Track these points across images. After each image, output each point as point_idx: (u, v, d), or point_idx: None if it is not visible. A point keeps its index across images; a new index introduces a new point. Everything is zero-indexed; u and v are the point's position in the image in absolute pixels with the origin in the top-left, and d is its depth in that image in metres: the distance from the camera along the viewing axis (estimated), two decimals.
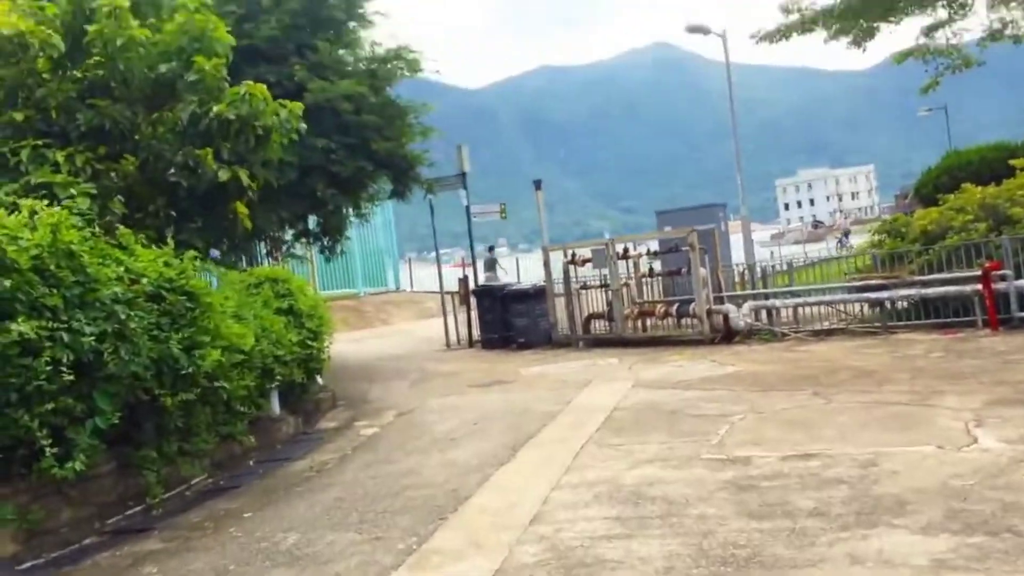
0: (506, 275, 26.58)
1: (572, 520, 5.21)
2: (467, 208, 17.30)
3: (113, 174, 9.06)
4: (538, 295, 15.78)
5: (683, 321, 14.20)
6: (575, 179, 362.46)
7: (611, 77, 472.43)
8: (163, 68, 8.49)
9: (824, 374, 9.51)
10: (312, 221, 16.24)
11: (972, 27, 27.81)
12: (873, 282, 12.37)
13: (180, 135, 8.80)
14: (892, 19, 25.81)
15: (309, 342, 9.51)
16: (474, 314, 17.04)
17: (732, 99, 22.31)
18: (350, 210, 16.19)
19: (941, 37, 28.01)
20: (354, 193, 14.33)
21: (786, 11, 25.84)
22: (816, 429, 6.91)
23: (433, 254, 18.69)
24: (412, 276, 30.03)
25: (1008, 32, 28.32)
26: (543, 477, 6.31)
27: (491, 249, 29.66)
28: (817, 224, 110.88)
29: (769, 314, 13.46)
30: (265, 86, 9.25)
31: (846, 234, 59.11)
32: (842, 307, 13.35)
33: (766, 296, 13.57)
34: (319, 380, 11.79)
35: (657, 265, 15.65)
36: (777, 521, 4.77)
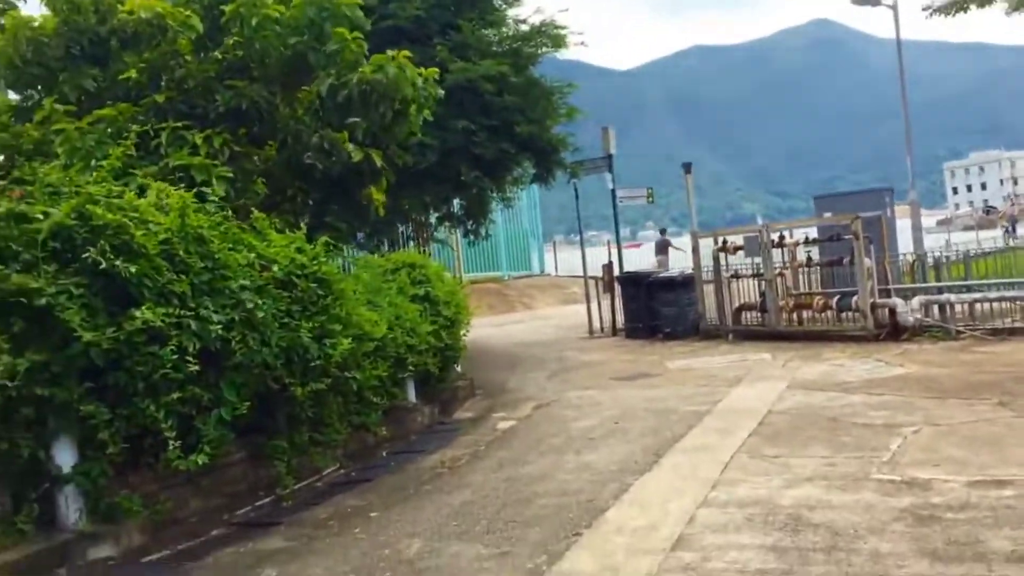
0: (683, 257, 24.63)
1: (721, 547, 4.63)
2: (613, 192, 16.70)
3: (256, 157, 9.00)
4: (686, 284, 15.05)
5: (843, 315, 13.19)
6: (727, 161, 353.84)
7: (766, 56, 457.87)
8: (293, 40, 8.27)
9: (1012, 381, 8.47)
10: (456, 205, 16.10)
11: None
12: None
13: (316, 114, 8.60)
14: None
15: (445, 331, 9.20)
16: (619, 301, 16.46)
17: (902, 72, 20.69)
18: (494, 193, 15.93)
19: None
20: (497, 176, 13.98)
21: None
22: (1007, 448, 6.04)
23: (591, 233, 18.26)
24: (557, 260, 29.65)
25: None
26: (688, 491, 5.73)
27: (663, 231, 28.94)
28: (989, 210, 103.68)
29: (942, 309, 12.30)
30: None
31: (1013, 223, 50.56)
32: None
33: (939, 290, 12.40)
34: (457, 368, 11.54)
35: (815, 254, 14.62)
36: (968, 566, 4.05)
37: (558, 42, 14.02)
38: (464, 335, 10.71)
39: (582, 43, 14.49)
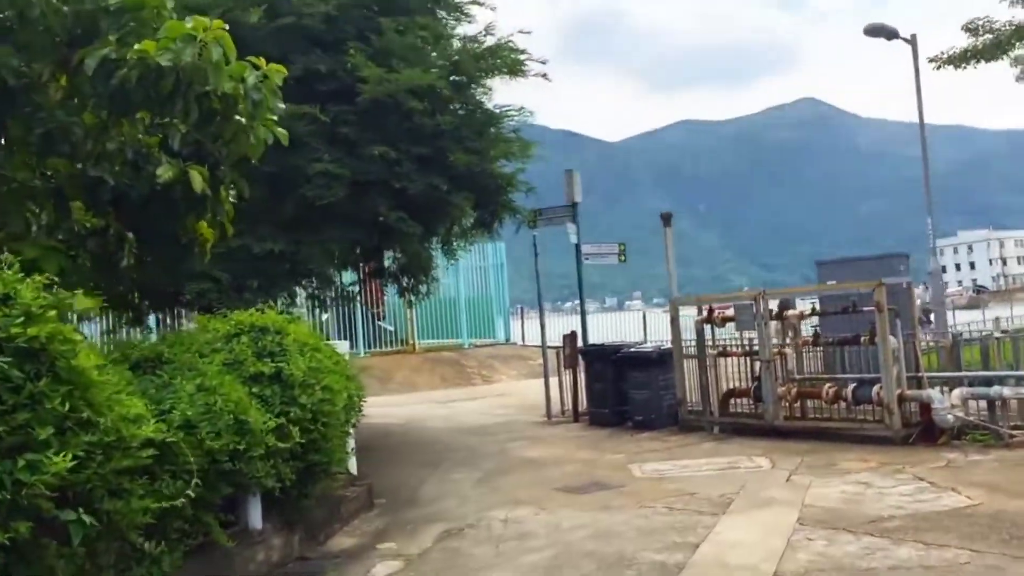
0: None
1: None
2: (577, 247, 13.91)
3: (43, 168, 6.20)
4: (662, 361, 12.21)
5: (858, 408, 10.37)
6: (715, 233, 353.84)
7: (754, 132, 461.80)
8: None
9: None
10: (389, 258, 13.31)
11: None
12: None
13: (106, 104, 5.76)
14: None
15: (305, 426, 6.29)
16: (583, 378, 13.59)
17: (923, 138, 18.18)
18: (434, 243, 13.16)
19: None
20: (429, 220, 11.19)
21: (974, 32, 21.75)
22: None
23: (567, 303, 15.40)
24: (524, 327, 26.78)
25: None
26: None
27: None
28: (980, 289, 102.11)
29: (991, 406, 9.48)
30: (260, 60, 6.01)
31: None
32: None
33: (987, 380, 9.59)
34: (350, 468, 8.62)
35: (822, 329, 11.85)
36: None
37: (514, 68, 11.33)
38: (351, 425, 7.80)
39: (544, 75, 11.77)
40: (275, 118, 5.93)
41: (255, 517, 6.41)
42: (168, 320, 11.59)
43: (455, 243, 13.40)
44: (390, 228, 10.48)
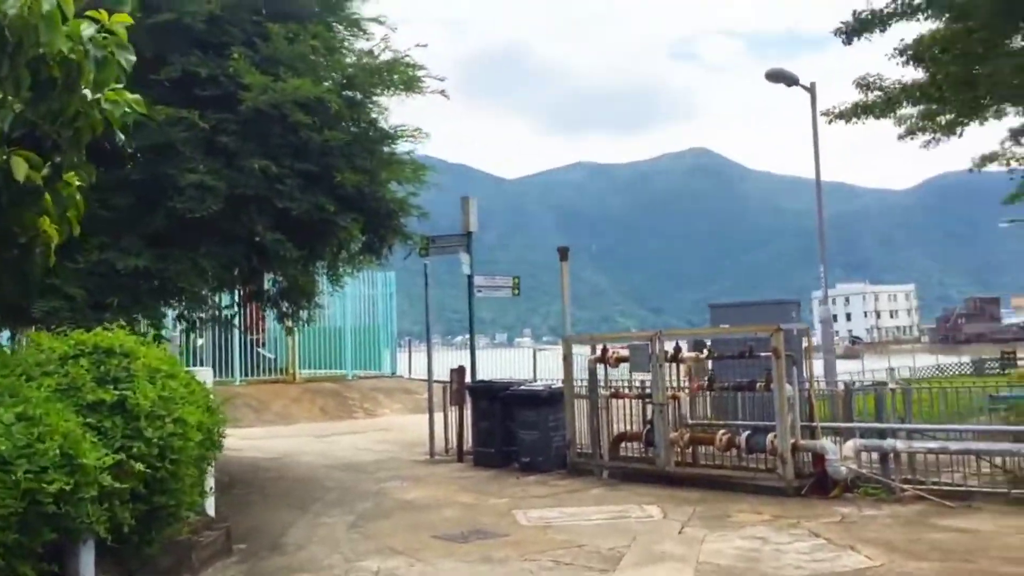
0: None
1: None
2: (469, 278, 13.36)
3: None
4: (553, 401, 11.74)
5: (750, 456, 10.08)
6: (606, 275, 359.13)
7: (648, 177, 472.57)
8: None
9: None
10: (270, 281, 12.50)
11: None
12: None
13: None
14: (983, 112, 22.23)
15: (151, 462, 5.50)
16: (470, 415, 12.99)
17: (818, 187, 18.39)
18: (320, 268, 12.42)
19: None
20: (313, 242, 10.48)
21: (865, 88, 22.40)
22: None
23: (457, 338, 14.73)
24: (411, 360, 26.01)
25: None
26: None
27: None
28: (855, 340, 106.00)
29: (884, 458, 9.30)
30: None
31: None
32: (1001, 460, 9.17)
33: (881, 432, 9.43)
34: (207, 509, 7.79)
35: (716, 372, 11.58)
36: None
37: (411, 84, 10.75)
38: (209, 463, 7.01)
39: (442, 92, 11.24)
40: (121, 86, 5.11)
41: (86, 567, 5.55)
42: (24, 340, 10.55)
43: (341, 269, 12.66)
44: (268, 249, 9.72)
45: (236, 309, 12.83)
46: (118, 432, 5.36)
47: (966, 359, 40.02)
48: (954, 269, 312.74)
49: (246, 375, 21.45)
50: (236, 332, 20.95)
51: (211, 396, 7.14)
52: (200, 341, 21.38)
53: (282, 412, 19.80)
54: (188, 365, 19.93)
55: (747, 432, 9.85)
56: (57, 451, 4.70)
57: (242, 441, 15.83)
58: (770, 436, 9.47)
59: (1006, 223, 44.46)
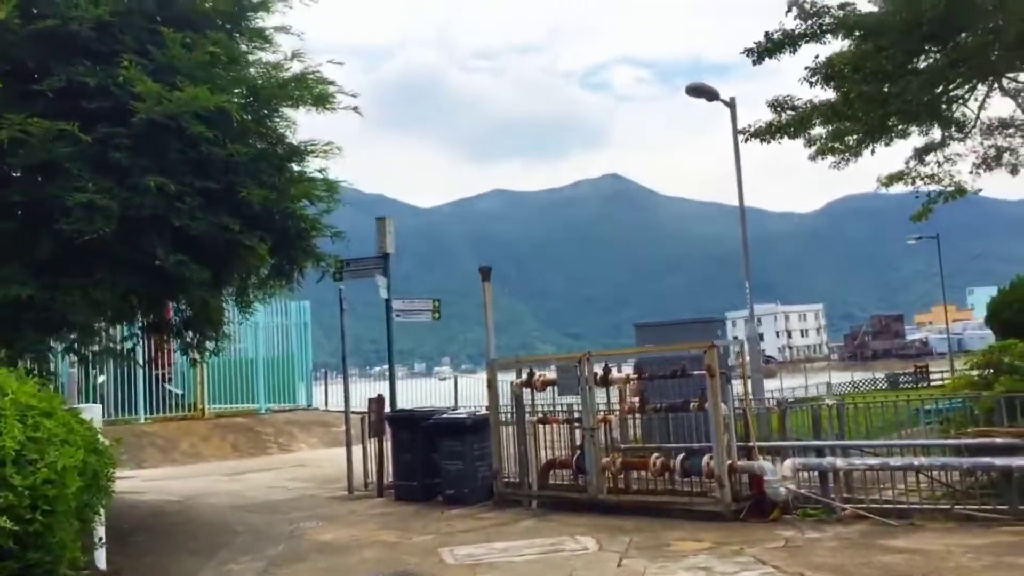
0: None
1: None
2: (387, 303, 12.71)
3: None
4: (477, 429, 11.16)
5: (685, 480, 9.66)
6: (524, 302, 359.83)
7: (563, 204, 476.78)
8: None
9: None
10: (174, 309, 11.69)
11: (965, 152, 25.11)
12: (999, 440, 8.04)
13: None
14: (889, 131, 22.66)
15: (23, 514, 4.75)
16: (390, 448, 12.31)
17: (740, 200, 18.28)
18: (225, 296, 11.67)
19: (931, 162, 25.26)
20: (219, 266, 9.74)
21: (777, 108, 22.69)
22: None
23: (375, 368, 13.98)
24: (328, 391, 25.12)
25: (1005, 160, 25.56)
26: None
27: None
28: (768, 360, 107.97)
29: (823, 477, 8.99)
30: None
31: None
32: (938, 474, 8.93)
33: (819, 450, 9.12)
34: (99, 562, 7.00)
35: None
36: None
37: (321, 99, 10.13)
38: (94, 512, 6.23)
39: (355, 108, 10.62)
40: None
41: None
42: None
43: (251, 295, 11.90)
44: (170, 274, 8.94)
45: (137, 341, 11.89)
46: None
47: (880, 374, 40.82)
48: (857, 288, 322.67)
49: (152, 412, 20.28)
50: (139, 367, 19.86)
51: (99, 436, 6.37)
52: (101, 378, 20.19)
53: (191, 451, 18.76)
54: (87, 402, 18.84)
55: (681, 455, 9.43)
56: None
57: (146, 483, 14.84)
58: (706, 458, 9.07)
59: (913, 240, 45.68)
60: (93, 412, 6.99)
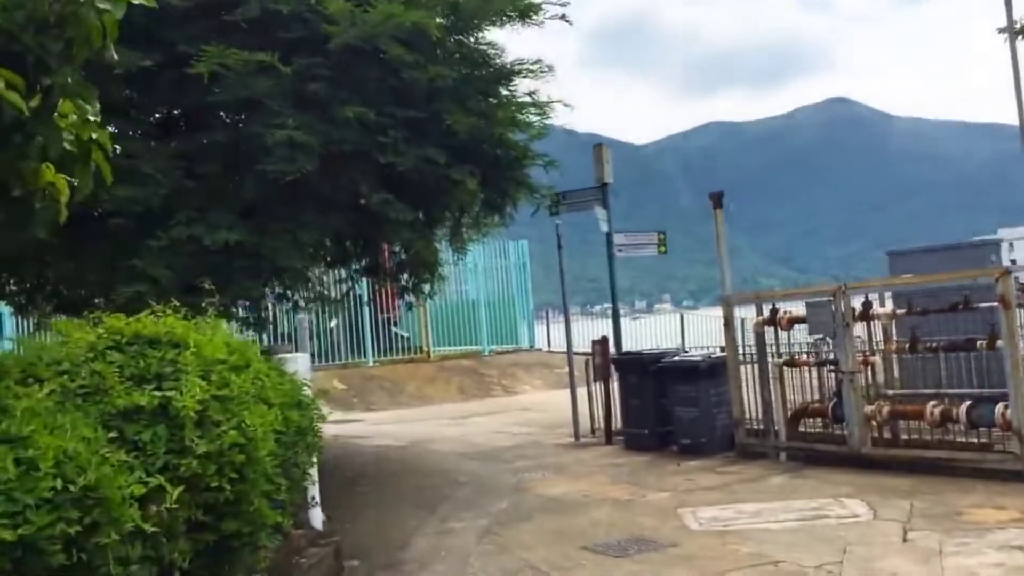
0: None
1: None
2: (608, 236, 11.69)
3: None
4: (713, 372, 10.04)
5: (970, 431, 8.11)
6: (744, 236, 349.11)
7: (783, 133, 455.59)
8: None
9: None
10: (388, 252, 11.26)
11: None
12: None
13: None
14: None
15: (211, 482, 4.22)
16: (617, 392, 11.43)
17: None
18: (438, 237, 11.12)
19: None
20: (427, 202, 9.11)
21: None
22: None
23: (596, 307, 13.10)
24: (549, 332, 24.60)
25: None
26: None
27: None
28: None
29: None
30: None
31: None
32: None
33: None
34: (315, 521, 6.54)
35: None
36: None
37: (526, 11, 9.12)
38: (305, 471, 5.69)
39: (563, 17, 9.49)
40: None
41: None
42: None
43: (465, 234, 11.27)
44: (375, 214, 8.37)
45: (352, 285, 11.58)
46: (160, 446, 4.06)
47: None
48: None
49: (380, 355, 20.52)
50: (367, 311, 20.06)
51: (304, 390, 5.82)
52: (333, 322, 20.61)
53: (417, 393, 18.77)
54: (319, 349, 19.23)
55: (967, 402, 7.88)
56: (53, 482, 3.39)
57: (374, 427, 14.82)
58: (1000, 407, 7.51)
59: None
60: (298, 363, 6.47)
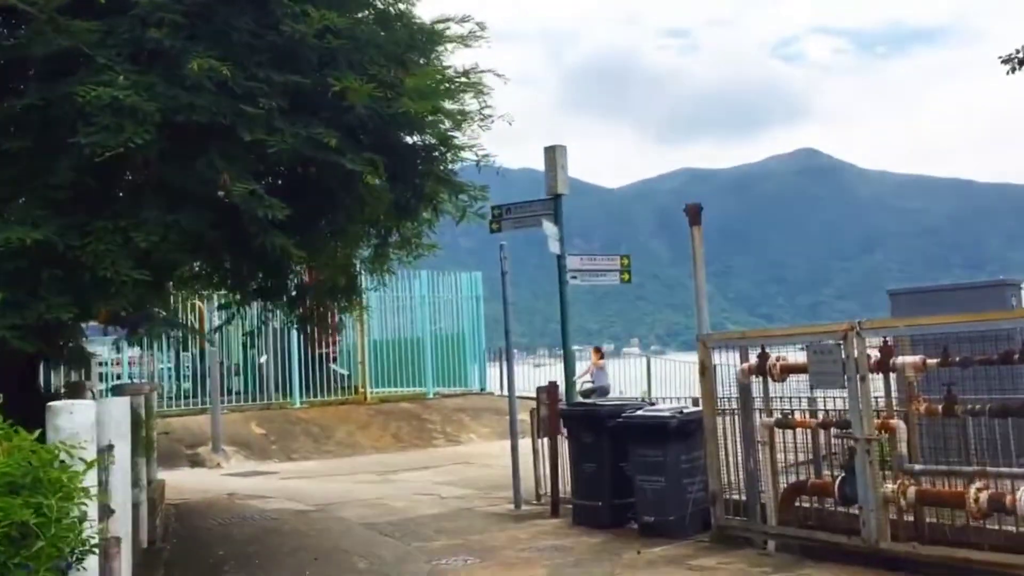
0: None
1: None
2: (559, 259, 9.61)
3: None
4: (685, 432, 7.97)
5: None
6: (709, 282, 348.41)
7: (752, 181, 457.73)
8: None
9: None
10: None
11: None
12: None
13: None
14: None
15: None
16: (568, 451, 9.32)
17: None
18: (357, 255, 9.05)
19: None
20: (330, 207, 7.01)
21: None
22: None
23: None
24: (502, 373, 22.42)
25: None
26: None
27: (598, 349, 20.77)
28: None
29: None
30: None
31: None
32: None
33: None
34: None
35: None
36: None
37: (466, 39, 7.11)
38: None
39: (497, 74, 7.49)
40: None
41: None
42: None
43: (393, 256, 9.14)
44: (241, 212, 6.22)
45: (236, 312, 9.36)
46: None
47: None
48: None
49: (310, 395, 18.22)
50: (295, 345, 17.82)
51: (68, 456, 3.66)
52: (263, 358, 18.39)
53: (347, 440, 16.52)
54: (246, 384, 16.95)
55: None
56: None
57: (283, 482, 12.61)
58: None
59: None
60: (75, 417, 4.27)
